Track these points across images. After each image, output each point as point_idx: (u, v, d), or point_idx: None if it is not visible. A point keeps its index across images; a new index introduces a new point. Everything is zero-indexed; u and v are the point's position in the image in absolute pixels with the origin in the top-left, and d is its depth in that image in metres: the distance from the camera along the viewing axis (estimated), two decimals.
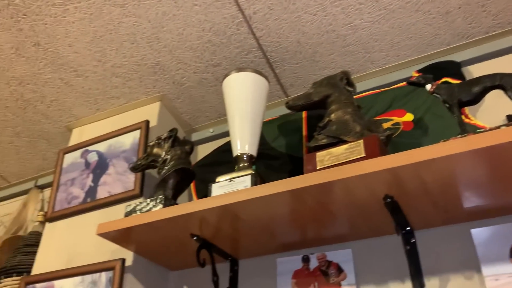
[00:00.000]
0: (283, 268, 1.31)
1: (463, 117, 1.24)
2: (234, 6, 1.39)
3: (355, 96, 1.46)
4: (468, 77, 1.36)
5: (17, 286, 1.51)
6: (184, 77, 1.64)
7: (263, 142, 1.54)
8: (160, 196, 1.22)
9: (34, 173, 2.15)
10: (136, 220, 1.20)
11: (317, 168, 1.03)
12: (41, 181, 2.09)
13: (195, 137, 1.81)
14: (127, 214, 1.25)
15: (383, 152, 1.00)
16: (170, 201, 1.23)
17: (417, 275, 1.12)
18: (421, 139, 1.26)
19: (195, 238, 1.24)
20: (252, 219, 1.16)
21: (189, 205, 1.14)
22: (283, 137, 1.51)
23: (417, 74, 1.40)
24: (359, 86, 1.50)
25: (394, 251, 1.20)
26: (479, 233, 1.11)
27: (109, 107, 1.78)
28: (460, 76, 1.33)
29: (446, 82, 1.32)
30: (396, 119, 1.36)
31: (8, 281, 1.54)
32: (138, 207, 1.25)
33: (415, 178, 0.97)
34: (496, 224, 1.10)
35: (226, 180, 1.16)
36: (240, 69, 1.35)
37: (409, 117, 1.34)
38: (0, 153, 2.05)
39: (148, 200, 1.24)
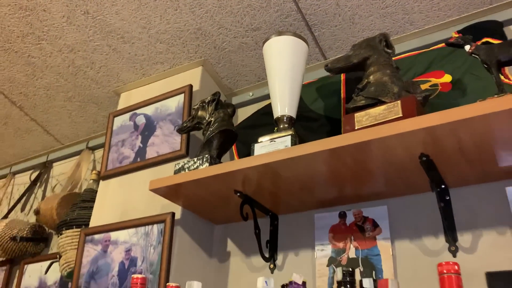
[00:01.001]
0: (320, 223, 1.39)
1: (502, 77, 1.26)
2: None
3: (393, 58, 1.49)
4: (510, 37, 1.35)
5: (77, 236, 1.67)
6: (224, 42, 1.69)
7: (301, 105, 1.59)
8: (206, 155, 1.31)
9: (86, 135, 2.30)
10: (185, 177, 1.29)
11: (356, 128, 1.08)
12: (92, 143, 2.24)
13: (235, 100, 1.88)
14: (176, 171, 1.36)
15: (420, 112, 1.03)
16: (215, 160, 1.32)
17: (450, 231, 1.18)
18: (458, 100, 1.27)
19: (238, 194, 1.33)
20: (292, 177, 1.23)
21: (233, 163, 1.23)
22: (322, 99, 1.56)
23: (457, 35, 1.40)
24: (398, 48, 1.52)
25: (428, 208, 1.24)
26: None
27: (154, 72, 1.87)
28: (501, 36, 1.32)
29: (487, 42, 1.32)
30: (434, 80, 1.37)
31: (69, 232, 1.70)
32: (186, 165, 1.35)
33: (451, 137, 1.00)
34: None
35: (268, 140, 1.23)
36: (280, 33, 1.39)
37: (447, 78, 1.35)
38: (54, 116, 2.20)
39: (195, 159, 1.34)
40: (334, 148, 1.06)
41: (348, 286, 0.90)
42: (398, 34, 1.55)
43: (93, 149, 2.24)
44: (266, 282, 1.01)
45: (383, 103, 1.10)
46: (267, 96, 1.78)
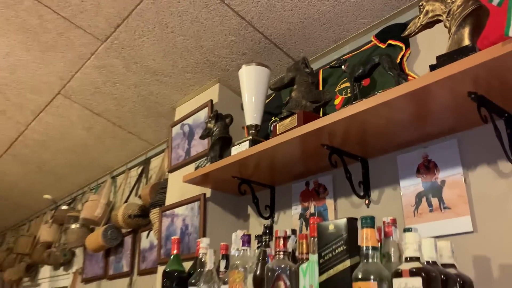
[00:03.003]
0: (295, 190, 1.98)
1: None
2: (237, 17, 1.98)
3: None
4: None
5: (158, 213, 2.51)
6: (227, 65, 2.31)
7: (281, 105, 2.16)
8: (208, 157, 1.99)
9: (165, 137, 3.14)
10: (199, 172, 2.00)
11: (277, 133, 1.65)
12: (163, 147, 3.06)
13: None
14: (196, 168, 2.07)
15: (311, 119, 1.55)
16: (216, 159, 1.99)
17: (366, 189, 1.69)
18: (370, 92, 1.72)
19: (235, 178, 1.99)
20: (259, 164, 1.84)
21: (221, 162, 1.88)
22: None
23: (374, 39, 1.81)
24: (341, 52, 1.97)
25: (357, 176, 1.75)
26: (401, 158, 1.60)
27: (191, 92, 2.58)
28: (400, 37, 1.70)
29: (389, 44, 1.73)
30: None
31: (154, 210, 2.56)
32: (201, 164, 2.05)
33: (329, 135, 1.52)
34: (412, 151, 1.57)
35: (238, 144, 1.86)
36: (247, 64, 1.97)
37: None
38: (141, 128, 3.08)
39: (204, 159, 2.03)
40: (264, 149, 1.65)
41: (267, 236, 1.51)
42: (341, 40, 2.00)
43: None
44: (235, 234, 1.68)
45: (294, 114, 1.64)
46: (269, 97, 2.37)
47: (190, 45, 2.21)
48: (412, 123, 1.46)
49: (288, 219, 1.99)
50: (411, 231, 1.27)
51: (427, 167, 1.51)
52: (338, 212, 1.78)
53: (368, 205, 1.68)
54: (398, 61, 1.67)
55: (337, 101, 1.87)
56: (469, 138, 1.44)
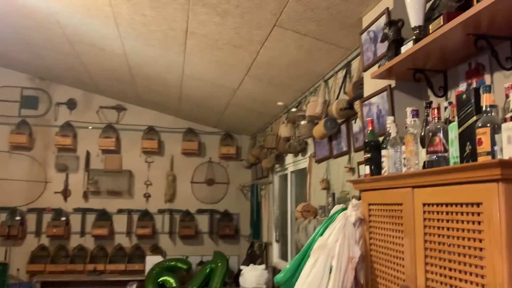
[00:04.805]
0: (460, 71, 2.46)
1: None
2: None
3: None
4: None
5: (359, 104, 3.29)
6: None
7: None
8: (387, 56, 2.63)
9: (357, 45, 3.80)
10: (381, 69, 2.67)
11: (429, 33, 2.17)
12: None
13: None
14: (378, 66, 2.74)
15: (454, 17, 2.01)
16: (392, 57, 2.61)
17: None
18: None
19: (409, 69, 2.59)
20: (426, 56, 2.39)
21: (396, 59, 2.50)
22: None
23: None
24: None
25: (506, 52, 2.13)
26: None
27: (371, 3, 3.15)
28: None
29: None
30: None
31: (356, 102, 3.36)
32: (382, 62, 2.71)
33: (470, 26, 1.98)
34: None
35: (406, 43, 2.43)
36: None
37: None
38: (339, 38, 3.81)
39: (384, 58, 2.68)
40: (421, 46, 2.21)
41: (428, 108, 2.13)
42: None
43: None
44: (408, 110, 2.34)
45: (441, 15, 2.12)
46: None
47: None
48: None
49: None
50: None
51: None
52: (494, 84, 2.23)
53: None
54: None
55: None
56: None
